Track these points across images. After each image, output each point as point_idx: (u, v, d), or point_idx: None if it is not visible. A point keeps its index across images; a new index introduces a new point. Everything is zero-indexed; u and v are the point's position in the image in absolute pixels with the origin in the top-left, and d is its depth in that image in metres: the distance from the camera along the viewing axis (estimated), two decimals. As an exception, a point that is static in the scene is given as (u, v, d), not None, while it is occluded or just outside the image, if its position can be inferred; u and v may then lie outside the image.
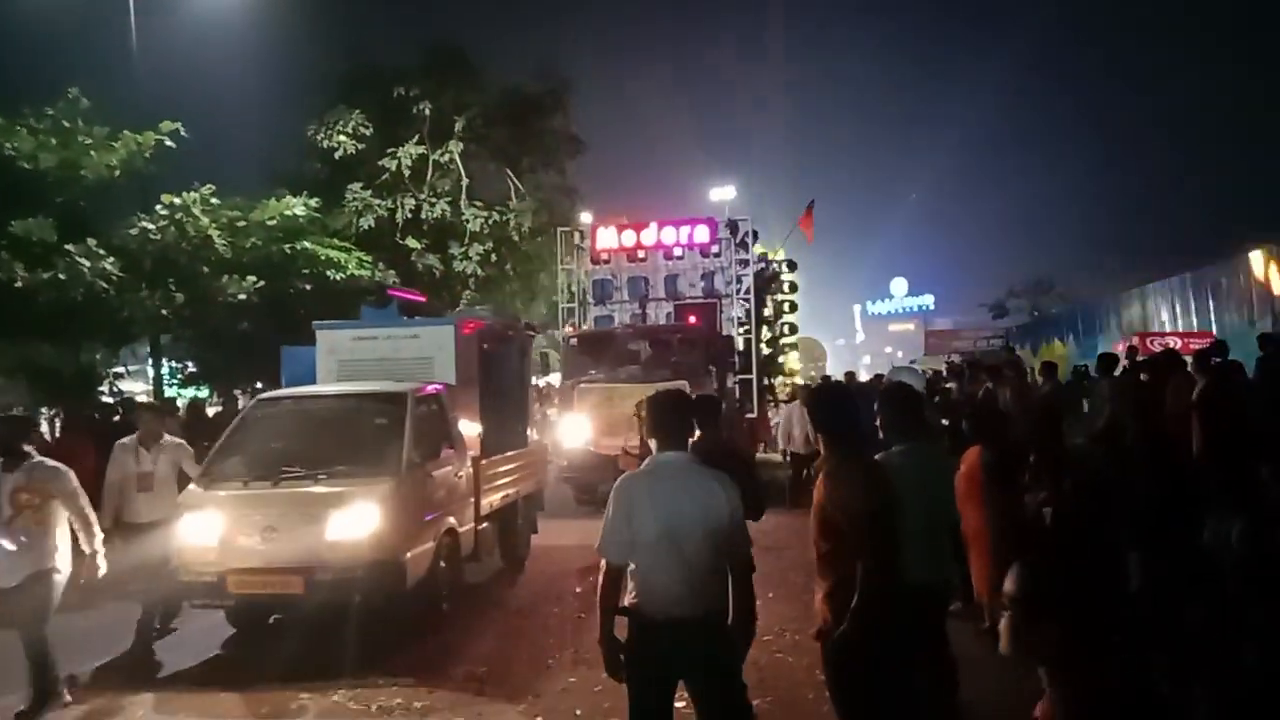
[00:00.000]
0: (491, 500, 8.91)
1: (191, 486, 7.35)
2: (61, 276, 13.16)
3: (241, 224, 15.62)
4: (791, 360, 25.97)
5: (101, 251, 13.69)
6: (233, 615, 7.57)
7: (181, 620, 7.78)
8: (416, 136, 21.80)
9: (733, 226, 18.47)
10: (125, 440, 7.72)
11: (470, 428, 8.75)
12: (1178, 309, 19.70)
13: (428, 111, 21.69)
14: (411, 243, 21.70)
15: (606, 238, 18.40)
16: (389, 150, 21.59)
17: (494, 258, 22.80)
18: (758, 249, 20.95)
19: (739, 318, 18.04)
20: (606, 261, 18.40)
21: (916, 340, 65.47)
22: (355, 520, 6.76)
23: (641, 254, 18.17)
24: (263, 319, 15.69)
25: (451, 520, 7.90)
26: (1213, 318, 18.21)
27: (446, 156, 22.03)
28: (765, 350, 21.44)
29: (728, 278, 18.21)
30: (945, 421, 9.36)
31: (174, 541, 6.99)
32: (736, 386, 16.79)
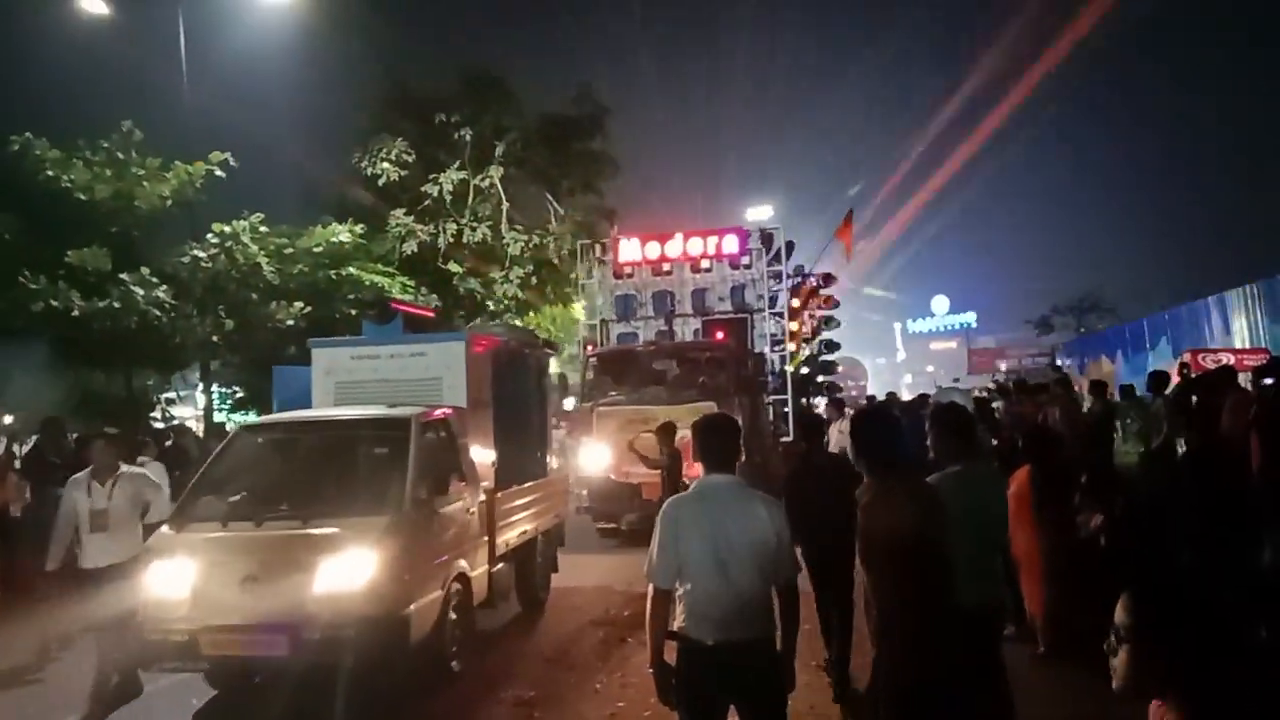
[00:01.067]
0: (508, 539, 8.03)
1: (162, 529, 6.45)
2: (116, 305, 13.51)
3: (289, 251, 15.94)
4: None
5: (154, 280, 14.04)
6: (211, 675, 6.63)
7: (151, 679, 6.59)
8: (458, 162, 22.07)
9: (765, 237, 17.41)
10: (78, 475, 6.82)
11: (483, 456, 7.90)
12: (1260, 318, 18.17)
13: (468, 137, 21.97)
14: (454, 267, 21.95)
15: (629, 250, 17.36)
16: (431, 176, 21.88)
17: (534, 280, 22.98)
18: (793, 262, 20.13)
19: (773, 334, 16.93)
20: (630, 275, 17.39)
21: (959, 358, 64.72)
22: (349, 568, 5.85)
23: (667, 267, 17.19)
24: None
25: (462, 564, 6.94)
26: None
27: (487, 181, 22.27)
28: (803, 369, 20.49)
29: (759, 291, 17.00)
30: (995, 441, 9.24)
31: (139, 593, 6.08)
32: (770, 408, 15.81)
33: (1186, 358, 14.09)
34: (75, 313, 13.33)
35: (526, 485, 8.77)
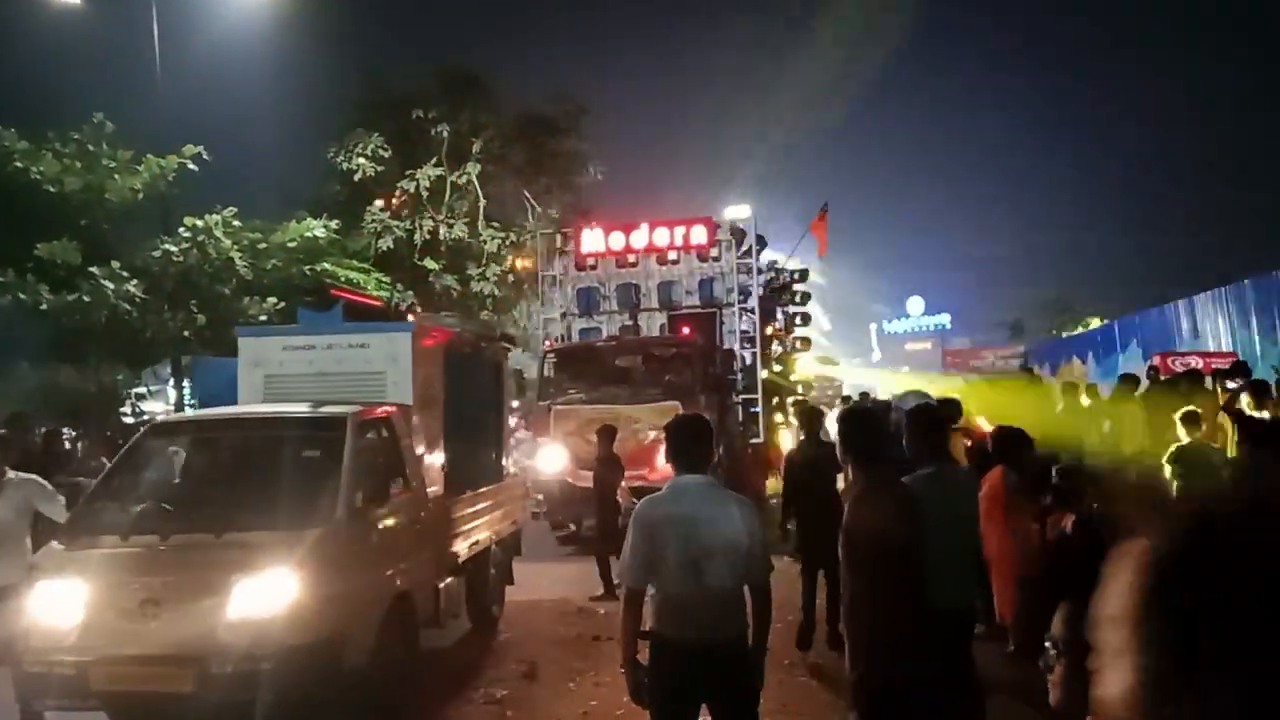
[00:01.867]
0: (458, 550, 7.34)
1: (52, 543, 5.62)
2: (85, 299, 13.34)
3: (262, 246, 15.81)
4: (799, 368, 22.06)
5: (125, 274, 13.86)
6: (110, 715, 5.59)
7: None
8: (434, 159, 21.98)
9: (734, 228, 16.52)
10: None
11: (432, 459, 7.21)
12: (1229, 322, 17.62)
13: (445, 134, 21.88)
14: (429, 264, 21.85)
15: (592, 240, 16.35)
16: (407, 172, 21.78)
17: (511, 278, 22.92)
18: (766, 255, 19.27)
19: (743, 330, 16.07)
20: (593, 267, 16.38)
21: (934, 359, 65.21)
22: (268, 589, 5.04)
23: (632, 258, 16.22)
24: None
25: (404, 581, 6.16)
26: None
27: (464, 178, 22.19)
28: (776, 367, 19.36)
29: (729, 285, 16.03)
30: (968, 443, 9.31)
31: (23, 619, 5.26)
32: (740, 408, 15.04)
33: (1156, 360, 14.25)
34: (44, 306, 13.15)
35: (480, 491, 8.13)
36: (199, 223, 15.06)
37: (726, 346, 15.41)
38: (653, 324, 15.90)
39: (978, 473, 6.79)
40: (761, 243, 18.04)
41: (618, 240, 16.21)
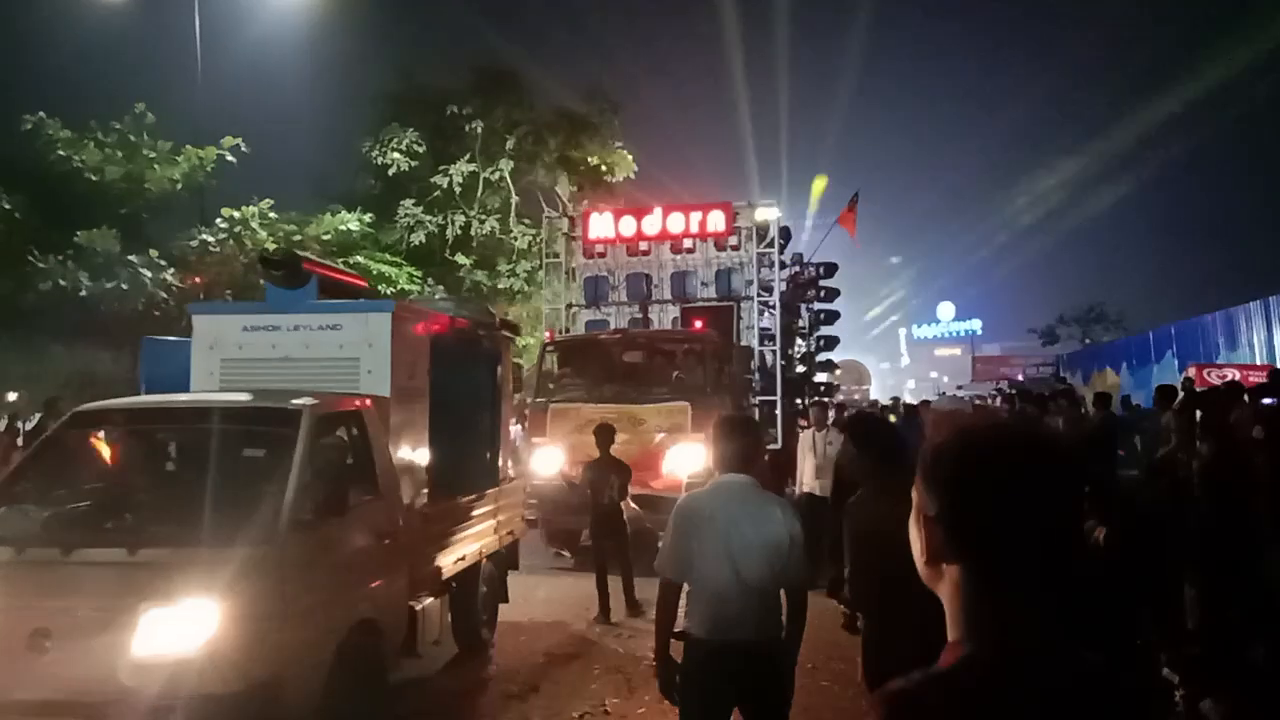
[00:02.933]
0: (440, 566, 6.38)
1: None
2: (124, 286, 13.54)
3: (297, 238, 15.97)
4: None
5: (162, 262, 14.06)
6: None
7: None
8: (468, 155, 22.09)
9: (759, 228, 15.22)
10: None
11: (413, 462, 6.34)
12: (1268, 334, 17.34)
13: (479, 130, 21.99)
14: (460, 259, 21.97)
15: (601, 226, 15.27)
16: (441, 168, 21.90)
17: (540, 274, 23.00)
18: (790, 246, 18.26)
19: (763, 327, 14.89)
20: (602, 255, 15.28)
21: (964, 366, 64.71)
22: (184, 621, 4.10)
23: (644, 246, 15.10)
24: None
25: (370, 605, 5.24)
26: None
27: (497, 175, 22.29)
28: (799, 368, 18.50)
29: (748, 276, 14.80)
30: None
31: None
32: (757, 410, 13.71)
33: (1191, 372, 14.05)
34: (83, 293, 13.36)
35: (471, 497, 7.15)
36: (236, 214, 15.26)
37: (744, 343, 14.31)
38: (665, 317, 14.83)
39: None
40: (786, 236, 17.13)
41: (628, 226, 15.11)
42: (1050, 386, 18.90)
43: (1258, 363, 16.24)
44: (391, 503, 5.71)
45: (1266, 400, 9.76)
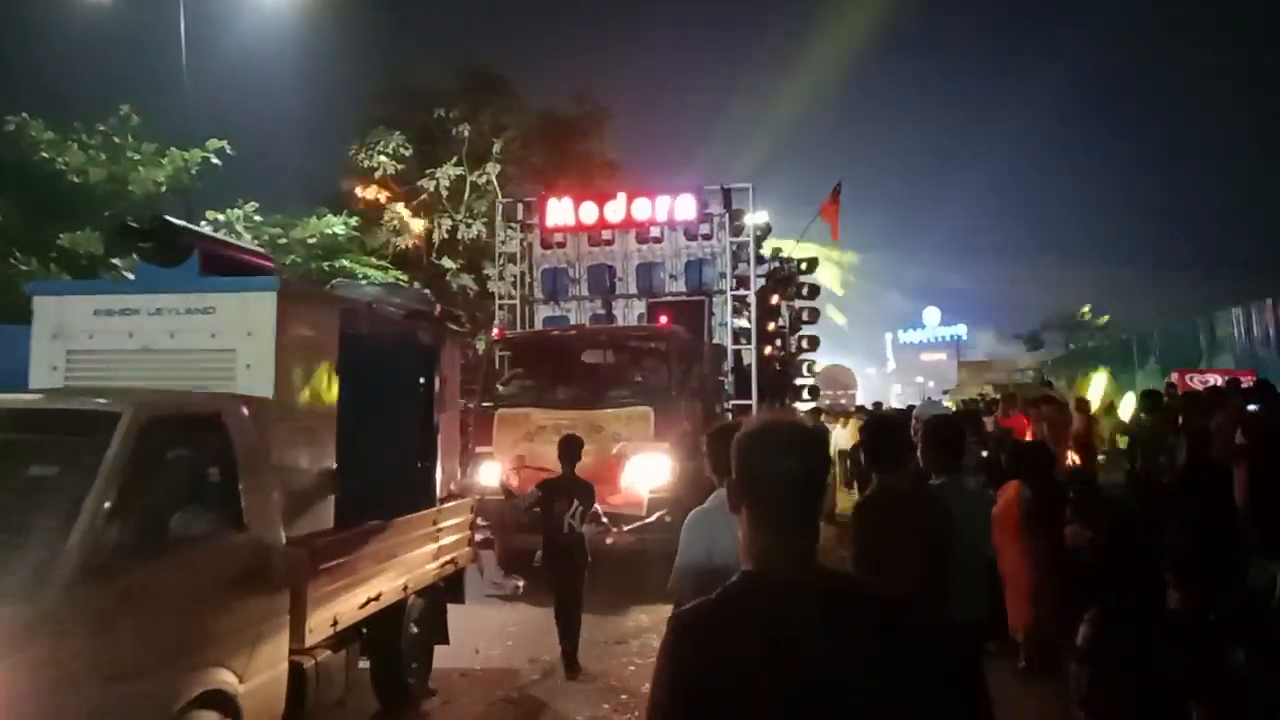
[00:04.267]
0: (339, 612, 5.11)
1: None
2: (107, 289, 13.44)
3: (283, 241, 15.93)
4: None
5: (146, 265, 13.97)
6: None
7: None
8: (455, 158, 22.05)
9: (728, 199, 13.78)
10: None
11: (308, 480, 5.17)
12: (1250, 340, 17.24)
13: (466, 133, 21.95)
14: (447, 262, 21.92)
15: (560, 212, 13.95)
16: (427, 171, 21.85)
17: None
18: (771, 244, 17.55)
19: (737, 325, 13.69)
20: (561, 245, 14.14)
21: (949, 370, 64.99)
22: None
23: (607, 235, 13.92)
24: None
25: (218, 673, 4.07)
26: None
27: (484, 178, 22.26)
28: (775, 367, 16.81)
29: (721, 269, 13.65)
30: (984, 454, 9.26)
31: None
32: (730, 415, 12.30)
33: (1174, 377, 14.13)
34: (65, 296, 13.28)
35: (388, 523, 5.77)
36: (221, 216, 15.19)
37: (716, 341, 13.22)
38: (630, 313, 13.71)
39: (991, 485, 6.77)
40: (766, 230, 16.23)
41: (590, 213, 13.79)
42: (1036, 391, 18.93)
43: (1238, 369, 16.35)
44: (262, 535, 4.53)
45: (1251, 407, 9.83)
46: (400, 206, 21.63)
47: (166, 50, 17.14)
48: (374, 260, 19.10)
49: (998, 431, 12.38)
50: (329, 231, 16.78)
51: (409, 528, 6.10)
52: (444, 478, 7.03)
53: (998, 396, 18.89)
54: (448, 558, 6.69)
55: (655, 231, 13.84)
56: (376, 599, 5.55)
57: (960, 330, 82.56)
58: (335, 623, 5.09)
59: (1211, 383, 12.74)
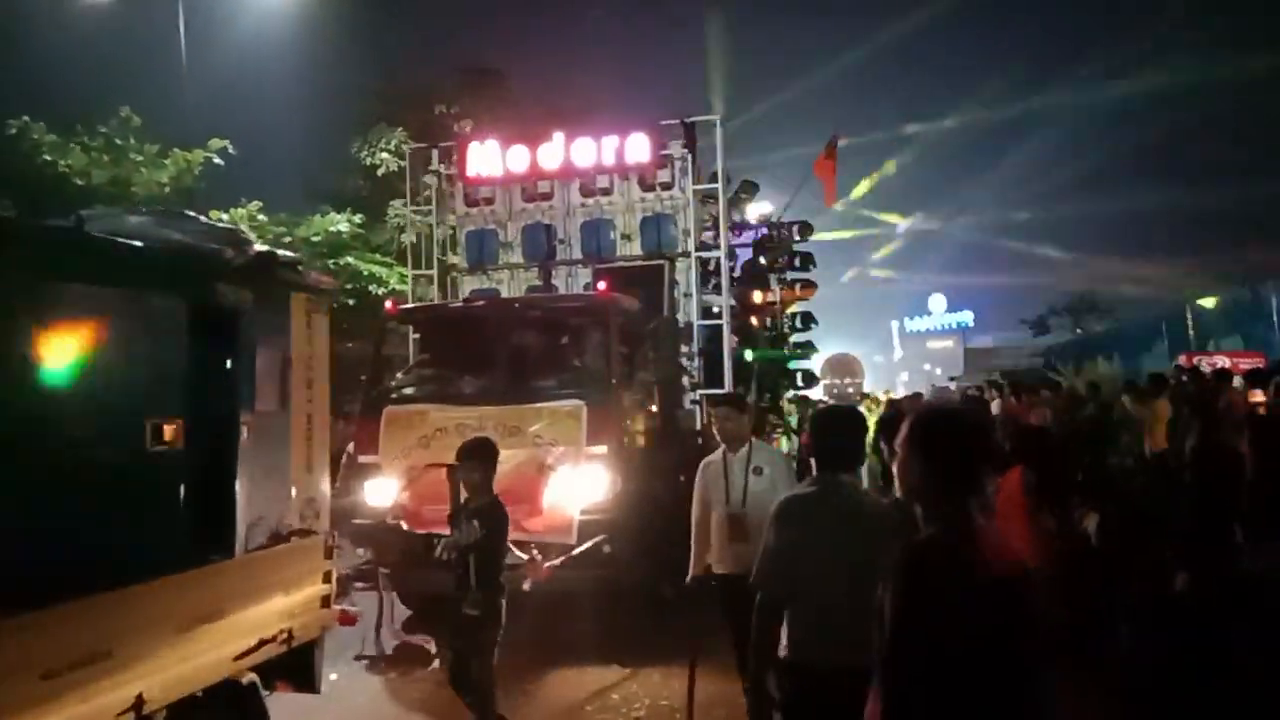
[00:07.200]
0: None
1: None
2: (112, 291, 13.48)
3: (287, 240, 15.96)
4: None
5: (150, 266, 14.02)
6: None
7: None
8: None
9: (689, 136, 10.70)
10: None
11: None
12: (1263, 322, 17.07)
13: (467, 129, 21.95)
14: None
15: (485, 160, 11.01)
16: (429, 168, 21.84)
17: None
18: (756, 206, 15.45)
19: (706, 300, 10.73)
20: (489, 201, 11.28)
21: (956, 357, 64.97)
22: None
23: (544, 187, 11.03)
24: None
25: None
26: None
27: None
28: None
29: (685, 225, 10.63)
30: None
31: None
32: (697, 411, 9.78)
33: (1183, 361, 14.10)
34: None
35: (141, 587, 3.70)
36: (225, 216, 15.21)
37: (677, 316, 10.24)
38: (575, 283, 10.80)
39: (995, 470, 6.74)
40: (753, 188, 14.12)
41: (520, 159, 10.79)
42: (1041, 377, 18.93)
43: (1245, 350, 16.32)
44: None
45: (1258, 396, 9.73)
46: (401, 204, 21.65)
47: (166, 51, 17.18)
48: (378, 257, 19.12)
49: (1004, 418, 12.37)
50: (333, 230, 16.82)
51: (154, 599, 3.79)
52: (294, 503, 4.88)
53: (1002, 383, 18.86)
54: (278, 629, 4.50)
55: (603, 181, 10.90)
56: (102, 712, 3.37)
57: (967, 317, 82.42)
58: None
59: (1219, 365, 12.71)
